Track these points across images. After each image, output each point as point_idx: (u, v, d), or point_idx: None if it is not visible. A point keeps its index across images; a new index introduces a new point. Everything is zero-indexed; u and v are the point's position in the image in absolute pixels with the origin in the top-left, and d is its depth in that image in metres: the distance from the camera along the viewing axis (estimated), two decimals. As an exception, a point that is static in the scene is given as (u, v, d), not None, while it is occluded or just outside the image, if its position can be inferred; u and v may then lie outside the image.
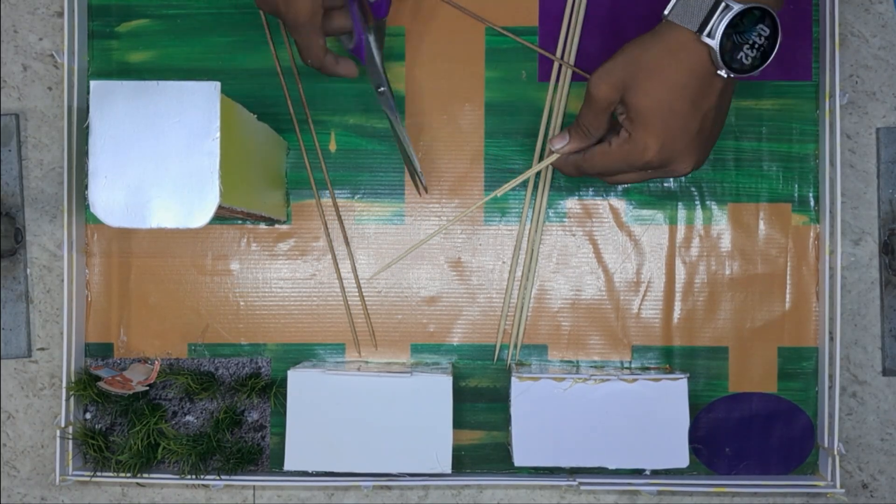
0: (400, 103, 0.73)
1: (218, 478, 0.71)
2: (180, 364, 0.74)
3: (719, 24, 0.53)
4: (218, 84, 0.53)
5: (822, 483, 0.71)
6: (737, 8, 0.53)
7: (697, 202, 0.73)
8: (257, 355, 0.74)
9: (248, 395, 0.72)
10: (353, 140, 0.74)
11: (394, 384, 0.67)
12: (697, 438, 0.73)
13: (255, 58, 0.74)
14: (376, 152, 0.74)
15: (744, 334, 0.73)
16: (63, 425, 0.71)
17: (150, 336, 0.74)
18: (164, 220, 0.53)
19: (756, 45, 0.54)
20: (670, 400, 0.68)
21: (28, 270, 0.74)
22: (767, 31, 0.54)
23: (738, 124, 0.73)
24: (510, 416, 0.69)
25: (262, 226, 0.74)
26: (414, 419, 0.67)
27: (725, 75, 0.55)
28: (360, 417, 0.67)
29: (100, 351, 0.74)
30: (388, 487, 0.73)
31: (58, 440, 0.71)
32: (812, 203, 0.73)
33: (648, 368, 0.73)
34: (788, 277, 0.73)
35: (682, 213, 0.73)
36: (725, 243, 0.73)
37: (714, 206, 0.73)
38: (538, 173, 0.73)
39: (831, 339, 0.71)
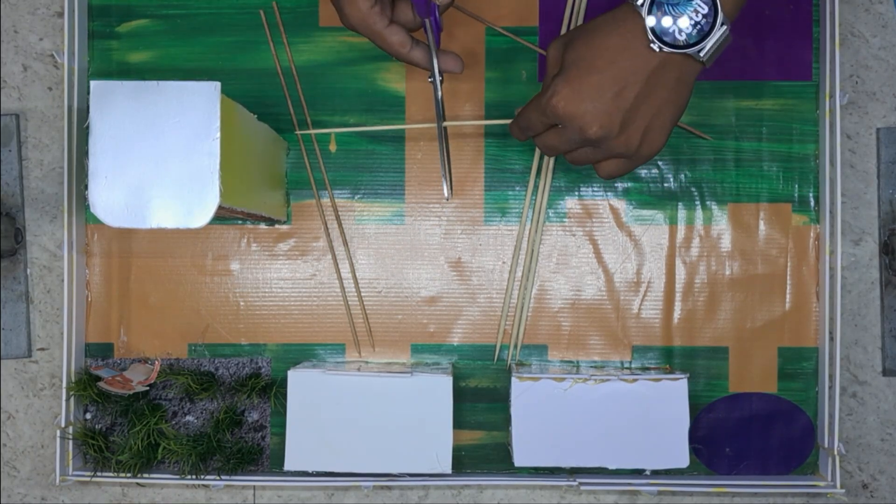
0: (400, 103, 0.74)
1: (218, 478, 0.71)
2: (180, 364, 0.74)
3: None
4: (218, 84, 0.53)
5: (822, 483, 0.71)
6: None
7: (697, 202, 0.73)
8: (257, 355, 0.74)
9: (249, 395, 0.72)
10: (353, 140, 0.74)
11: (394, 384, 0.67)
12: (697, 438, 0.73)
13: (255, 58, 0.74)
14: (376, 152, 0.74)
15: (744, 334, 0.73)
16: (63, 425, 0.71)
17: (150, 336, 0.74)
18: (164, 220, 0.53)
19: (694, 22, 0.53)
20: (670, 400, 0.68)
21: (28, 270, 0.74)
22: (705, 7, 0.53)
23: (738, 124, 0.73)
24: (510, 416, 0.69)
25: (262, 226, 0.74)
26: (414, 419, 0.67)
27: (657, 49, 0.53)
28: (360, 417, 0.67)
29: (100, 351, 0.74)
30: (389, 487, 0.73)
31: (58, 440, 0.71)
32: (812, 203, 0.73)
33: (648, 368, 0.73)
34: (788, 277, 0.73)
35: (682, 213, 0.73)
36: (725, 243, 0.73)
37: (714, 206, 0.73)
38: (538, 174, 0.73)
39: (831, 339, 0.71)
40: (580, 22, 0.73)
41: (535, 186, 0.73)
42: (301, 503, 0.74)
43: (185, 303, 0.74)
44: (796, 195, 0.73)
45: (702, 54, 0.54)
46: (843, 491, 0.70)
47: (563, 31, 0.73)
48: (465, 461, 0.74)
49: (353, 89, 0.74)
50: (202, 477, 0.72)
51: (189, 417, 0.73)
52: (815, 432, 0.73)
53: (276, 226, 0.74)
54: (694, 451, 0.73)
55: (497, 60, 0.73)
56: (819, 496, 0.73)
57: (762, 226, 0.73)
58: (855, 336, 0.74)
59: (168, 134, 0.53)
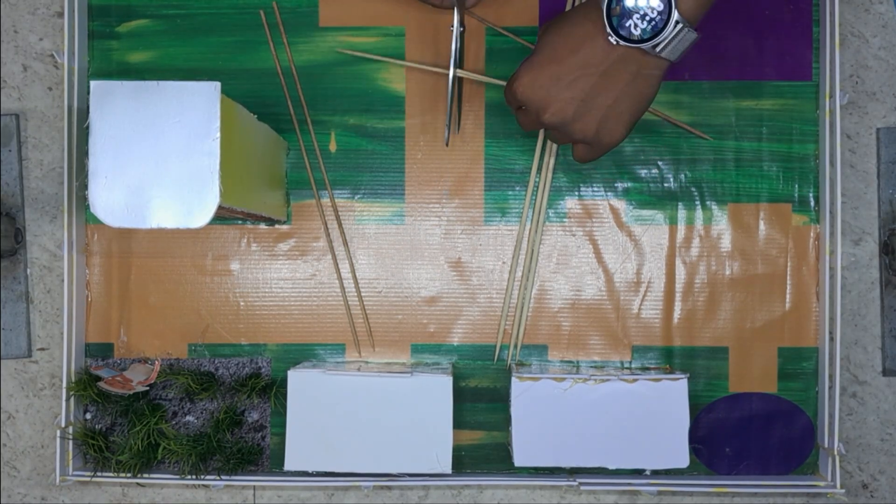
0: (400, 103, 0.74)
1: (218, 478, 0.71)
2: (180, 364, 0.74)
3: None
4: (218, 84, 0.53)
5: (822, 483, 0.71)
6: None
7: (697, 202, 0.73)
8: (257, 355, 0.74)
9: (249, 395, 0.72)
10: (353, 140, 0.74)
11: (394, 384, 0.67)
12: (697, 438, 0.73)
13: (255, 58, 0.74)
14: (376, 152, 0.74)
15: (744, 334, 0.73)
16: (63, 425, 0.71)
17: (150, 336, 0.74)
18: (164, 220, 0.53)
19: (647, 18, 0.54)
20: (670, 400, 0.68)
21: (28, 270, 0.74)
22: (661, 5, 0.54)
23: (738, 124, 0.73)
24: (510, 416, 0.69)
25: (263, 226, 0.74)
26: (414, 419, 0.67)
27: (614, 42, 0.55)
28: (361, 417, 0.67)
29: (100, 351, 0.74)
30: (389, 487, 0.73)
31: (58, 440, 0.71)
32: (812, 203, 0.73)
33: (648, 368, 0.73)
34: (788, 277, 0.73)
35: (682, 213, 0.73)
36: (725, 243, 0.73)
37: (714, 206, 0.73)
38: (538, 175, 0.73)
39: (831, 339, 0.71)
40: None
41: (535, 186, 0.73)
42: (301, 503, 0.74)
43: (185, 303, 0.74)
44: (796, 195, 0.73)
45: (658, 50, 0.55)
46: (843, 491, 0.70)
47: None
48: (465, 461, 0.74)
49: (353, 89, 0.74)
50: (202, 477, 0.72)
51: (189, 417, 0.73)
52: (815, 432, 0.73)
53: (276, 226, 0.74)
54: (694, 451, 0.73)
55: (497, 60, 0.73)
56: (819, 496, 0.73)
57: (762, 226, 0.73)
58: (855, 336, 0.74)
59: (168, 134, 0.53)
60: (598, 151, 0.61)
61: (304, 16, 0.74)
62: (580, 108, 0.58)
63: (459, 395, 0.73)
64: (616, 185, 0.73)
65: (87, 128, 0.53)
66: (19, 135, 0.74)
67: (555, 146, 0.72)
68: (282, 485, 0.72)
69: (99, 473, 0.72)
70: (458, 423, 0.72)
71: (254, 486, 0.74)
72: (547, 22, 0.61)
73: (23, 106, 0.74)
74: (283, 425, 0.72)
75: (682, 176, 0.73)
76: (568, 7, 0.73)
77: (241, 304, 0.74)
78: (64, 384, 0.71)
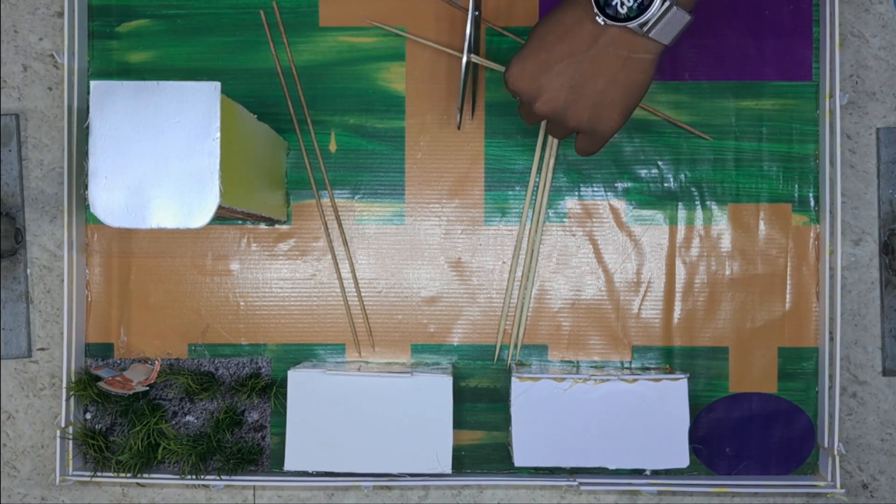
0: (400, 103, 0.74)
1: (218, 478, 0.71)
2: (180, 364, 0.74)
3: None
4: (218, 84, 0.53)
5: (822, 483, 0.71)
6: None
7: (697, 202, 0.73)
8: (257, 355, 0.74)
9: (249, 395, 0.72)
10: (353, 140, 0.74)
11: (394, 384, 0.67)
12: (697, 438, 0.73)
13: (255, 58, 0.74)
14: (376, 152, 0.74)
15: (744, 334, 0.73)
16: (63, 425, 0.71)
17: (150, 336, 0.74)
18: (164, 220, 0.53)
19: None
20: (670, 400, 0.68)
21: (28, 270, 0.74)
22: None
23: (738, 124, 0.73)
24: (510, 416, 0.69)
25: (262, 226, 0.74)
26: (414, 419, 0.67)
27: (602, 22, 0.55)
28: (361, 417, 0.67)
29: (100, 351, 0.74)
30: (389, 487, 0.73)
31: (58, 440, 0.71)
32: (812, 203, 0.73)
33: (648, 368, 0.73)
34: (788, 277, 0.73)
35: (682, 213, 0.73)
36: (725, 243, 0.73)
37: (714, 206, 0.73)
38: (538, 175, 0.73)
39: (831, 339, 0.71)
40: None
41: (535, 186, 0.73)
42: (301, 503, 0.74)
43: (185, 303, 0.74)
44: (796, 195, 0.73)
45: (646, 29, 0.54)
46: (843, 491, 0.70)
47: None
48: (465, 461, 0.74)
49: (353, 89, 0.74)
50: (202, 477, 0.72)
51: (189, 417, 0.73)
52: (815, 432, 0.73)
53: (276, 226, 0.74)
54: (694, 451, 0.73)
55: (497, 60, 0.73)
56: (819, 496, 0.73)
57: (762, 226, 0.73)
58: (855, 336, 0.74)
59: (168, 134, 0.53)
60: (598, 141, 0.60)
61: (304, 16, 0.74)
62: (571, 96, 0.57)
63: (459, 395, 0.73)
64: (616, 185, 0.73)
65: (87, 128, 0.53)
66: (19, 135, 0.74)
67: (555, 146, 0.72)
68: (282, 485, 0.72)
69: (99, 473, 0.72)
70: (458, 423, 0.72)
71: (254, 486, 0.74)
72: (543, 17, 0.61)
73: (23, 106, 0.74)
74: (283, 425, 0.72)
75: (682, 176, 0.73)
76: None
77: (241, 304, 0.74)
78: (64, 384, 0.71)
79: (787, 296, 0.73)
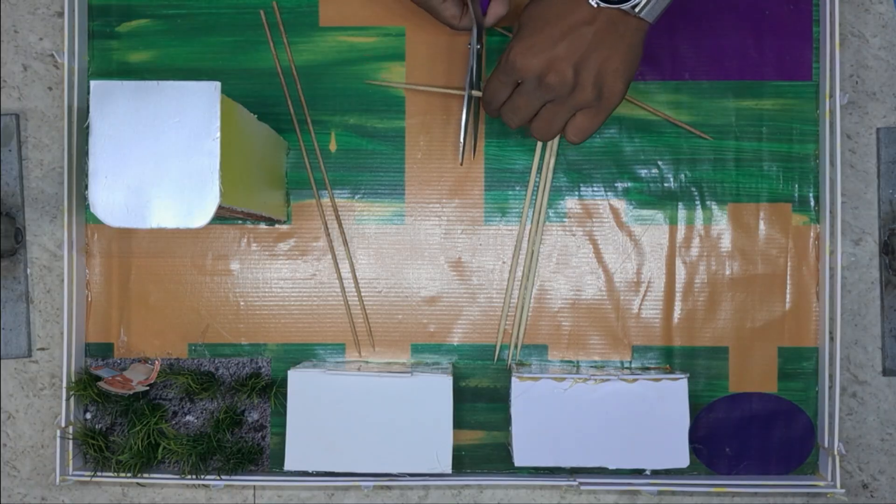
0: (400, 103, 0.74)
1: (218, 478, 0.71)
2: (180, 364, 0.74)
3: None
4: (218, 84, 0.53)
5: (822, 483, 0.71)
6: None
7: (697, 202, 0.73)
8: (257, 355, 0.74)
9: (249, 395, 0.72)
10: (353, 140, 0.74)
11: (394, 384, 0.67)
12: (697, 438, 0.73)
13: (255, 58, 0.74)
14: (376, 152, 0.74)
15: (744, 334, 0.73)
16: (63, 425, 0.71)
17: (150, 336, 0.74)
18: (164, 220, 0.53)
19: None
20: (670, 400, 0.68)
21: (28, 270, 0.74)
22: None
23: (738, 124, 0.73)
24: (510, 416, 0.69)
25: (263, 226, 0.74)
26: (414, 419, 0.67)
27: (595, 4, 0.58)
28: (361, 417, 0.67)
29: (100, 351, 0.74)
30: (389, 487, 0.73)
31: (58, 440, 0.71)
32: (812, 203, 0.73)
33: (648, 368, 0.73)
34: (788, 277, 0.73)
35: (682, 213, 0.73)
36: (725, 243, 0.73)
37: (714, 206, 0.73)
38: (538, 175, 0.73)
39: (831, 339, 0.71)
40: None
41: (535, 186, 0.73)
42: (301, 503, 0.74)
43: (185, 303, 0.74)
44: (796, 195, 0.73)
45: (637, 10, 0.57)
46: (843, 491, 0.70)
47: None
48: (465, 461, 0.74)
49: (353, 89, 0.74)
50: (202, 477, 0.72)
51: (189, 417, 0.73)
52: (815, 432, 0.73)
53: (276, 226, 0.74)
54: (694, 451, 0.73)
55: (496, 61, 0.73)
56: (819, 496, 0.73)
57: (762, 226, 0.73)
58: (855, 336, 0.74)
59: (168, 134, 0.53)
60: (602, 114, 0.62)
61: (304, 16, 0.74)
62: (577, 66, 0.59)
63: (459, 395, 0.73)
64: (616, 184, 0.73)
65: (87, 128, 0.53)
66: (19, 135, 0.74)
67: (555, 146, 0.72)
68: (282, 485, 0.72)
69: (99, 473, 0.72)
70: (458, 423, 0.72)
71: (254, 486, 0.74)
72: (524, 7, 0.62)
73: (23, 106, 0.74)
74: (283, 425, 0.72)
75: (682, 176, 0.73)
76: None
77: (241, 303, 0.74)
78: (64, 384, 0.71)
79: (787, 296, 0.73)
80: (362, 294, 0.74)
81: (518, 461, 0.68)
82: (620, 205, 0.73)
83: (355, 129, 0.74)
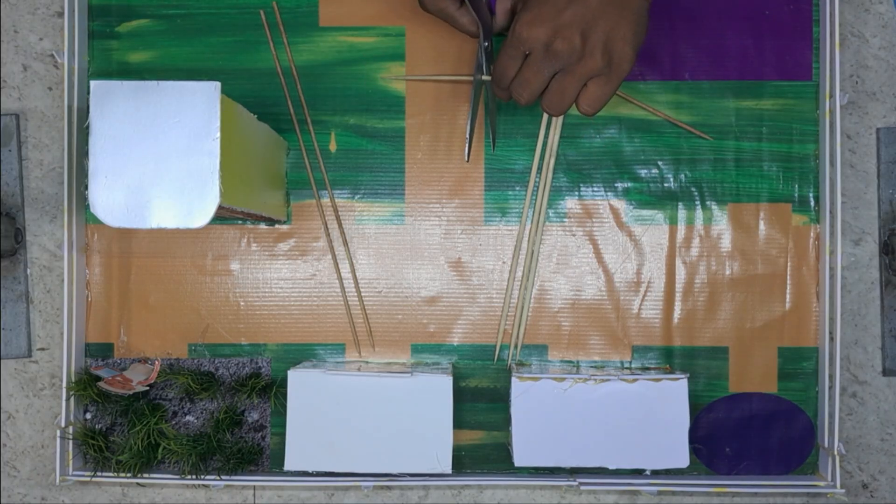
0: (400, 103, 0.74)
1: (218, 478, 0.71)
2: (180, 364, 0.74)
3: None
4: (218, 84, 0.53)
5: (822, 483, 0.71)
6: None
7: (697, 202, 0.73)
8: (257, 355, 0.74)
9: (249, 395, 0.72)
10: (353, 140, 0.74)
11: (394, 384, 0.67)
12: (698, 438, 0.73)
13: (255, 58, 0.74)
14: (376, 152, 0.74)
15: (744, 334, 0.73)
16: (63, 425, 0.71)
17: (150, 336, 0.74)
18: (165, 220, 0.53)
19: None
20: (670, 400, 0.68)
21: (28, 270, 0.74)
22: None
23: (738, 124, 0.73)
24: (510, 416, 0.69)
25: (263, 226, 0.74)
26: (414, 419, 0.67)
27: None
28: (361, 417, 0.67)
29: (100, 351, 0.74)
30: (389, 487, 0.73)
31: (58, 440, 0.71)
32: (812, 203, 0.73)
33: (648, 368, 0.73)
34: (788, 277, 0.73)
35: (682, 213, 0.73)
36: (725, 243, 0.73)
37: (714, 206, 0.73)
38: (538, 175, 0.73)
39: (831, 339, 0.71)
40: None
41: (535, 186, 0.73)
42: (301, 503, 0.74)
43: (185, 303, 0.74)
44: (796, 195, 0.73)
45: None
46: (843, 491, 0.70)
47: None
48: (465, 461, 0.74)
49: (353, 89, 0.74)
50: (202, 477, 0.72)
51: (189, 417, 0.73)
52: (815, 432, 0.73)
53: (276, 226, 0.74)
54: (694, 451, 0.73)
55: (497, 60, 0.73)
56: (819, 496, 0.73)
57: (762, 226, 0.73)
58: (855, 336, 0.74)
59: (168, 134, 0.53)
60: (614, 81, 0.61)
61: (304, 16, 0.74)
62: (584, 33, 0.59)
63: (459, 395, 0.73)
64: (616, 185, 0.73)
65: (87, 128, 0.53)
66: (19, 135, 0.74)
67: (555, 146, 0.72)
68: (282, 485, 0.72)
69: (99, 473, 0.72)
70: (458, 423, 0.72)
71: (254, 486, 0.74)
72: None
73: (23, 106, 0.74)
74: (283, 425, 0.72)
75: (682, 176, 0.73)
76: None
77: (241, 304, 0.74)
78: (64, 384, 0.71)
79: (787, 296, 0.73)
80: (362, 294, 0.74)
81: (518, 461, 0.68)
82: (620, 205, 0.73)
83: (355, 129, 0.74)
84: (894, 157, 0.73)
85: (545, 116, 0.73)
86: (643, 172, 0.73)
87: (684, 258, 0.73)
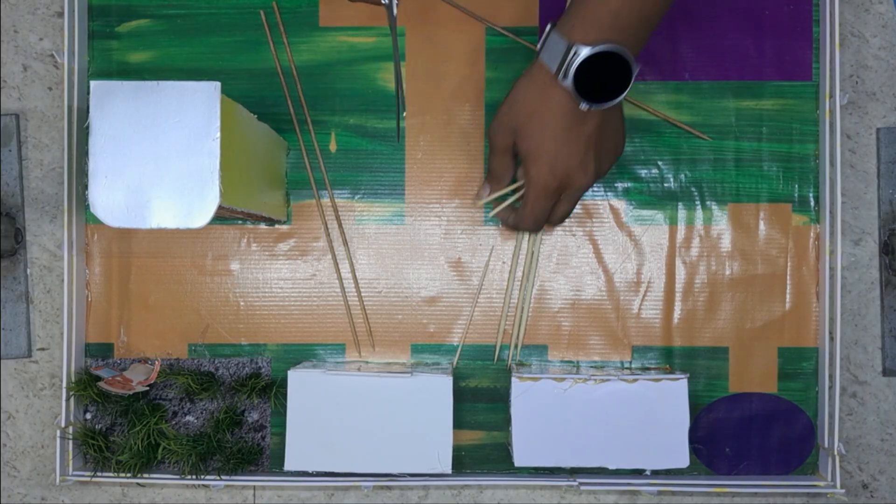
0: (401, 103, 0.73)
1: (218, 478, 0.71)
2: (180, 364, 0.74)
3: (571, 67, 0.58)
4: (218, 84, 0.53)
5: (822, 483, 0.71)
6: (584, 53, 0.57)
7: (698, 202, 0.73)
8: (257, 355, 0.74)
9: (249, 395, 0.72)
10: (353, 140, 0.74)
11: (394, 384, 0.67)
12: (697, 438, 0.73)
13: (255, 58, 0.74)
14: (376, 152, 0.74)
15: (744, 334, 0.73)
16: (63, 425, 0.71)
17: (150, 336, 0.74)
18: (164, 220, 0.53)
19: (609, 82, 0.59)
20: (670, 400, 0.68)
21: (28, 270, 0.74)
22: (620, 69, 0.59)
23: (738, 124, 0.73)
24: (510, 416, 0.69)
25: (263, 226, 0.74)
26: (414, 419, 0.67)
27: (586, 108, 0.59)
28: (361, 418, 0.67)
29: (100, 351, 0.74)
30: (389, 487, 0.73)
31: (58, 440, 0.71)
32: (812, 203, 0.73)
33: (648, 368, 0.73)
34: (788, 277, 0.73)
35: (682, 213, 0.73)
36: (725, 243, 0.73)
37: (714, 206, 0.73)
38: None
39: (831, 339, 0.71)
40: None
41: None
42: (301, 503, 0.74)
43: (185, 303, 0.74)
44: (796, 195, 0.73)
45: (611, 104, 0.60)
46: (843, 491, 0.70)
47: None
48: (465, 461, 0.74)
49: (353, 89, 0.74)
50: (202, 477, 0.72)
51: (189, 417, 0.73)
52: (815, 432, 0.73)
53: (276, 226, 0.74)
54: (694, 451, 0.73)
55: (497, 60, 0.73)
56: (819, 496, 0.73)
57: (762, 226, 0.73)
58: (855, 336, 0.74)
59: (168, 134, 0.53)
60: (579, 194, 0.66)
61: (304, 16, 0.74)
62: (605, 158, 0.64)
63: (459, 395, 0.73)
64: (616, 185, 0.73)
65: (87, 128, 0.53)
66: (19, 135, 0.74)
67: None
68: (282, 485, 0.72)
69: (99, 473, 0.72)
70: (458, 423, 0.72)
71: (254, 486, 0.74)
72: (505, 124, 0.64)
73: (23, 106, 0.74)
74: (283, 425, 0.72)
75: (682, 176, 0.73)
76: (567, 4, 0.73)
77: (241, 304, 0.74)
78: (64, 384, 0.71)
79: (787, 296, 0.73)
80: (362, 294, 0.74)
81: (518, 461, 0.68)
82: (620, 205, 0.73)
83: (355, 129, 0.74)
84: (894, 157, 0.73)
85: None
86: (643, 172, 0.73)
87: (684, 258, 0.73)
